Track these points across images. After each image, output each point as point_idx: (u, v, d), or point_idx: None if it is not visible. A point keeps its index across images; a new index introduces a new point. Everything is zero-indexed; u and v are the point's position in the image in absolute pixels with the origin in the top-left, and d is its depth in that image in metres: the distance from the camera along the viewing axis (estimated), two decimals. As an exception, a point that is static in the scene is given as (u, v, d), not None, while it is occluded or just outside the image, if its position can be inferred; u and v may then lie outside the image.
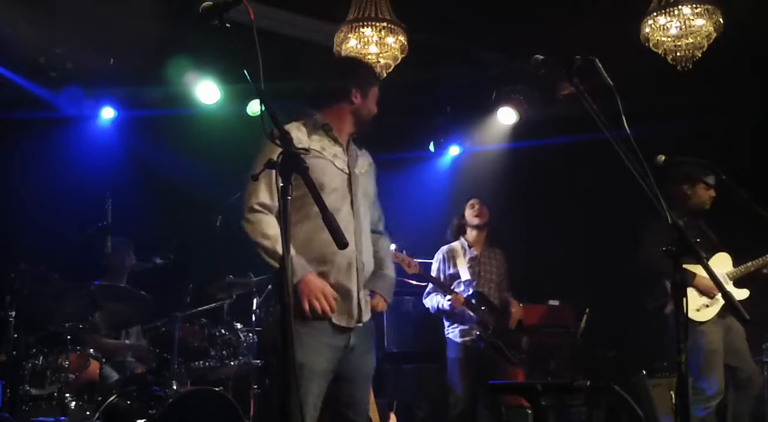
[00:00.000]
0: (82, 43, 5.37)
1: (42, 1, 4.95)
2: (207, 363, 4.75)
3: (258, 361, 4.94)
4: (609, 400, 5.50)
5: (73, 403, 4.27)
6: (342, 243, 2.18)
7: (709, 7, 4.25)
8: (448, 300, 4.99)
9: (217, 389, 4.53)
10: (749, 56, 5.54)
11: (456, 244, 5.33)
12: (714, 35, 4.33)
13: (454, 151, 7.34)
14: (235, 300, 5.12)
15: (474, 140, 7.20)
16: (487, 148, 7.09)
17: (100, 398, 4.37)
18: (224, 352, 4.81)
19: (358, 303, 2.92)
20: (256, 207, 2.89)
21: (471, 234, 5.32)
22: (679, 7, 4.25)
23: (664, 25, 4.34)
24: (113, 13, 5.02)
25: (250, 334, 4.98)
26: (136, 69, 5.83)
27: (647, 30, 4.37)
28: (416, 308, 5.82)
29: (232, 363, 4.80)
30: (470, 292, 5.08)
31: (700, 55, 4.39)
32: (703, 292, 4.59)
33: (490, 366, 5.01)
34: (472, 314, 5.02)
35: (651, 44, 4.41)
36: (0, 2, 4.92)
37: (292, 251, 2.69)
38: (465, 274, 5.17)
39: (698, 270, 4.61)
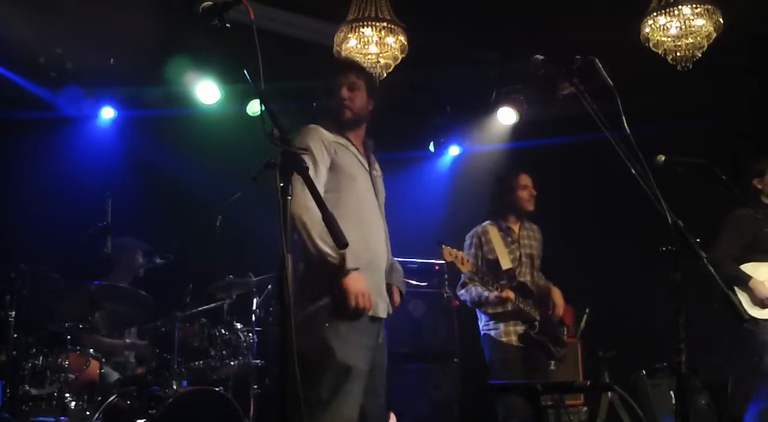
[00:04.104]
0: (82, 43, 5.37)
1: (42, 1, 4.95)
2: (207, 363, 4.75)
3: (258, 361, 4.94)
4: (609, 400, 5.51)
5: (73, 403, 4.27)
6: (342, 244, 2.20)
7: (709, 7, 4.25)
8: (496, 296, 4.36)
9: (217, 389, 4.54)
10: (749, 56, 5.54)
11: (490, 226, 4.66)
12: (714, 35, 4.33)
13: (454, 151, 7.34)
14: (235, 300, 5.12)
15: (474, 140, 7.20)
16: (487, 148, 7.09)
17: (100, 398, 4.37)
18: (224, 352, 4.82)
19: (385, 300, 3.12)
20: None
21: (512, 215, 4.71)
22: (679, 7, 4.25)
23: (664, 25, 4.34)
24: (113, 13, 5.03)
25: (250, 334, 4.98)
26: (136, 69, 5.83)
27: (647, 30, 4.37)
28: (417, 308, 5.81)
29: (232, 363, 4.81)
30: (513, 284, 4.46)
31: (700, 55, 4.39)
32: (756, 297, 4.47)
33: (533, 366, 4.49)
34: (522, 308, 4.43)
35: (651, 44, 4.41)
36: (0, 2, 4.92)
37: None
38: (506, 262, 4.51)
39: (762, 267, 4.57)
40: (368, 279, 2.98)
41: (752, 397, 4.60)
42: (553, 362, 4.58)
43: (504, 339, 4.48)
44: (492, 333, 4.53)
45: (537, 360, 4.50)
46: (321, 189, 2.91)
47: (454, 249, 4.27)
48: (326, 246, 2.85)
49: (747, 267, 4.58)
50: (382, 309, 3.09)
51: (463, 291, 4.59)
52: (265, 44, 2.19)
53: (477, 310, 4.64)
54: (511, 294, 4.35)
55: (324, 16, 5.31)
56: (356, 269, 2.90)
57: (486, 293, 4.44)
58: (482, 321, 4.61)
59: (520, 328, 4.48)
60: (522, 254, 4.65)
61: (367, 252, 3.02)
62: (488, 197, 4.86)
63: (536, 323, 4.47)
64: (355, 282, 2.88)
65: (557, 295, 4.65)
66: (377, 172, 3.28)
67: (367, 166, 3.20)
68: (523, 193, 4.68)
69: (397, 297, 3.24)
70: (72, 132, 6.15)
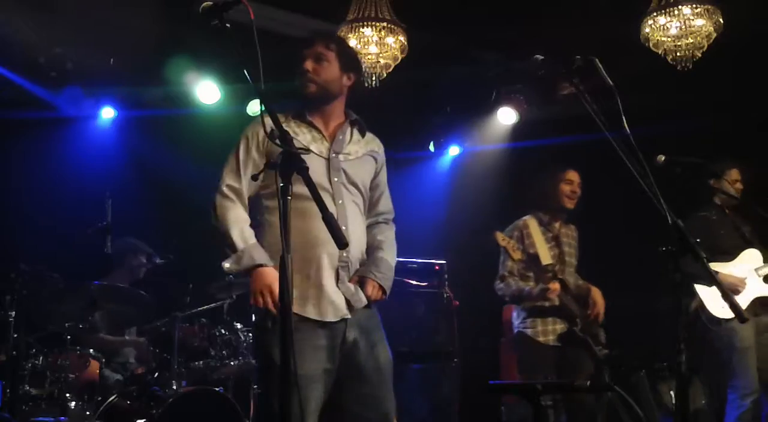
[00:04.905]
0: (82, 43, 5.37)
1: (42, 1, 4.95)
2: (207, 363, 4.76)
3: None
4: (609, 400, 5.50)
5: (73, 403, 4.28)
6: (342, 244, 2.18)
7: (709, 7, 4.26)
8: (542, 288, 4.17)
9: (217, 389, 4.54)
10: (749, 56, 5.54)
11: (531, 220, 4.50)
12: (714, 35, 4.34)
13: (454, 151, 7.34)
14: (235, 300, 5.12)
15: (474, 140, 7.20)
16: (487, 148, 7.09)
17: (100, 398, 4.37)
18: (224, 352, 4.82)
19: (341, 297, 2.77)
20: (225, 190, 3.04)
21: (551, 210, 4.55)
22: (679, 7, 4.26)
23: (664, 25, 4.35)
24: (113, 13, 5.02)
25: (250, 334, 4.98)
26: (136, 69, 5.84)
27: (647, 30, 4.37)
28: (418, 308, 5.81)
29: (232, 363, 4.81)
30: (555, 279, 4.26)
31: (700, 55, 4.39)
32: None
33: (570, 366, 4.26)
34: (566, 302, 4.27)
35: (651, 44, 4.41)
36: (0, 2, 4.92)
37: (253, 240, 2.82)
38: (546, 258, 4.33)
39: (722, 267, 4.65)
40: (298, 276, 2.66)
41: (726, 399, 4.64)
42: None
43: (541, 338, 4.30)
44: (528, 331, 4.34)
45: (575, 361, 4.28)
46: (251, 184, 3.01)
47: (508, 238, 4.22)
48: (238, 239, 2.82)
49: None
50: (330, 310, 2.73)
51: (502, 285, 4.43)
52: (265, 44, 2.20)
53: (514, 307, 4.50)
54: (557, 286, 4.17)
55: (324, 16, 5.31)
56: (260, 265, 2.69)
57: (528, 287, 4.29)
58: (518, 319, 4.43)
59: (559, 327, 4.30)
60: (561, 252, 4.51)
61: (305, 249, 2.69)
62: (530, 187, 4.73)
63: (578, 321, 4.30)
64: (254, 280, 2.70)
65: (598, 295, 4.45)
66: (351, 154, 2.91)
67: (327, 149, 2.86)
68: (566, 187, 4.51)
69: (371, 291, 2.83)
70: (72, 132, 6.15)
